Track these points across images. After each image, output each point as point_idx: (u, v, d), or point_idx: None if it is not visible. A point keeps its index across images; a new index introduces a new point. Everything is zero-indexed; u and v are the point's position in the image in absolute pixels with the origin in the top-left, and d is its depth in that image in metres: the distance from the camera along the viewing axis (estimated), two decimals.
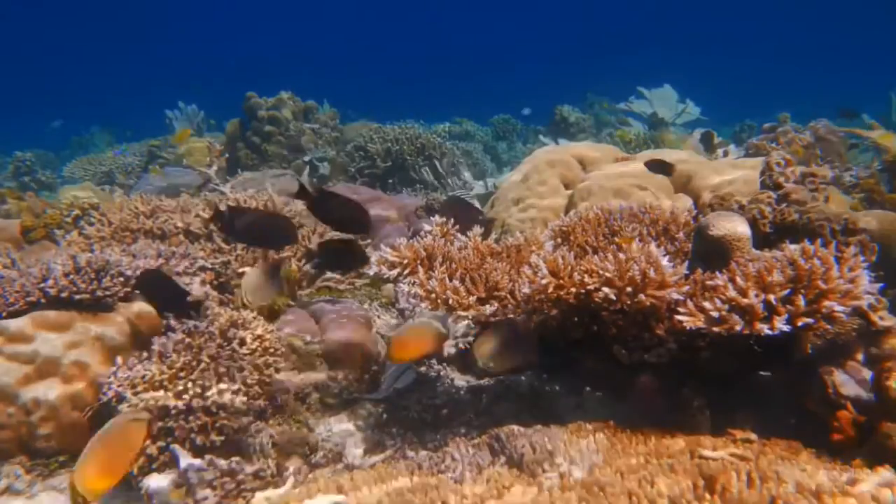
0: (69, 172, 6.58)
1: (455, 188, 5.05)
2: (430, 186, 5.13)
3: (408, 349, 1.80)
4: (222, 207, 2.48)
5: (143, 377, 1.84)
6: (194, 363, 1.89)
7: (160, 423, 1.78)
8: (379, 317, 2.71)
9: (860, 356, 1.54)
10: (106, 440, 1.34)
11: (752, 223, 1.82)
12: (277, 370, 2.06)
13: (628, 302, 1.52)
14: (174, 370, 1.85)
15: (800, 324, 1.37)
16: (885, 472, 1.10)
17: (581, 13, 31.70)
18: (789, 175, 1.91)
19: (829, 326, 1.44)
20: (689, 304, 1.48)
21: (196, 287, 2.39)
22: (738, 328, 1.38)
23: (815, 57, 22.75)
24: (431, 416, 2.01)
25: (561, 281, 1.58)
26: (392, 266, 1.94)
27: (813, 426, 1.50)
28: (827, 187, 1.91)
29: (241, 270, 2.17)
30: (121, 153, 6.17)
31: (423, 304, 1.86)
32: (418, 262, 1.93)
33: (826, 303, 1.36)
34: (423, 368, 2.27)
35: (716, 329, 1.41)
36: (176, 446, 1.74)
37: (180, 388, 1.81)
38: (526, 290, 1.67)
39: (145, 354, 1.99)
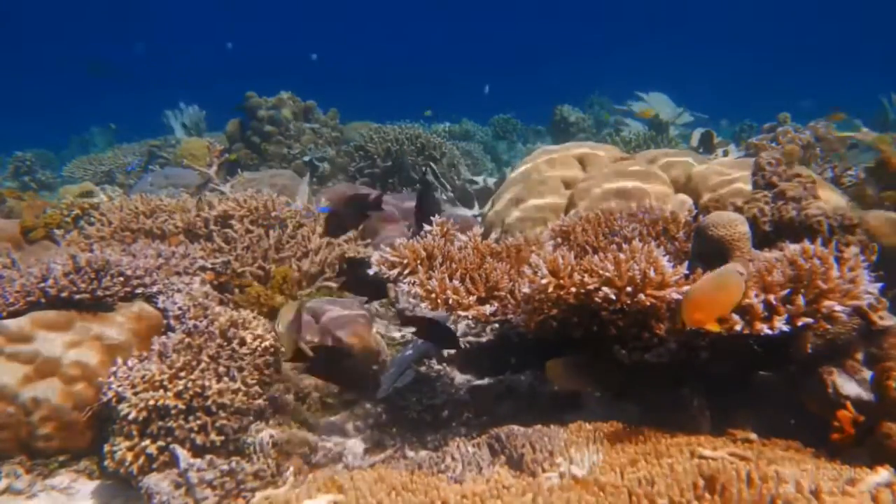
0: (69, 172, 6.58)
1: (455, 188, 5.04)
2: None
3: (708, 310, 1.35)
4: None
5: (143, 377, 1.84)
6: (194, 363, 1.89)
7: (160, 423, 1.78)
8: (379, 317, 2.71)
9: (860, 356, 1.54)
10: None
11: (752, 222, 1.81)
12: (278, 370, 2.06)
13: (628, 302, 1.52)
14: (174, 370, 1.85)
15: (800, 324, 1.37)
16: (884, 472, 1.10)
17: (582, 14, 31.73)
18: (781, 173, 1.91)
19: (829, 326, 1.44)
20: None
21: (196, 287, 2.39)
22: (738, 328, 1.38)
23: (815, 57, 22.75)
24: (431, 416, 2.01)
25: (561, 281, 1.58)
26: (392, 266, 1.94)
27: (813, 426, 1.50)
28: (815, 185, 1.91)
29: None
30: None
31: (423, 304, 1.86)
32: (418, 261, 1.93)
33: (826, 303, 1.36)
34: (422, 368, 2.27)
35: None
36: (176, 446, 1.74)
37: (180, 388, 1.81)
38: (526, 289, 1.67)
39: (145, 354, 1.99)
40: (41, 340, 1.98)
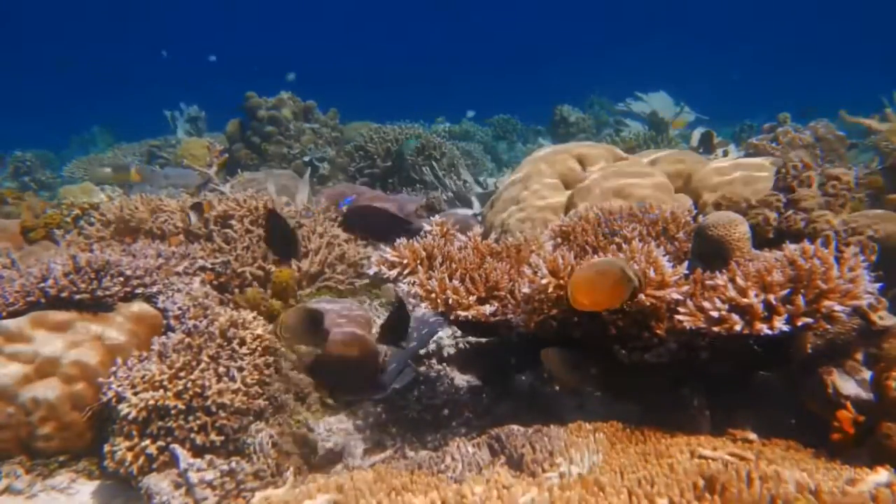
0: (69, 172, 6.59)
1: (454, 188, 5.04)
2: (429, 186, 5.12)
3: (592, 297, 1.42)
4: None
5: (143, 377, 1.84)
6: (194, 363, 1.89)
7: (160, 423, 1.78)
8: (379, 317, 2.71)
9: (860, 356, 1.54)
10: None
11: (755, 227, 1.81)
12: (277, 370, 2.06)
13: (628, 301, 1.52)
14: (174, 370, 1.85)
15: (799, 324, 1.37)
16: (884, 472, 1.10)
17: (582, 14, 31.73)
18: (804, 179, 1.89)
19: (829, 326, 1.44)
20: (689, 303, 1.48)
21: (196, 287, 2.38)
22: (737, 328, 1.38)
23: (816, 57, 22.75)
24: (431, 416, 2.01)
25: (561, 281, 1.58)
26: (392, 266, 1.93)
27: (813, 426, 1.50)
28: (847, 194, 1.88)
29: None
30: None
31: (423, 304, 1.86)
32: (418, 261, 1.93)
33: (826, 303, 1.36)
34: (422, 368, 2.27)
35: (716, 329, 1.41)
36: (176, 446, 1.74)
37: (180, 388, 1.81)
38: (526, 289, 1.67)
39: (145, 354, 1.99)
40: (41, 340, 1.98)
